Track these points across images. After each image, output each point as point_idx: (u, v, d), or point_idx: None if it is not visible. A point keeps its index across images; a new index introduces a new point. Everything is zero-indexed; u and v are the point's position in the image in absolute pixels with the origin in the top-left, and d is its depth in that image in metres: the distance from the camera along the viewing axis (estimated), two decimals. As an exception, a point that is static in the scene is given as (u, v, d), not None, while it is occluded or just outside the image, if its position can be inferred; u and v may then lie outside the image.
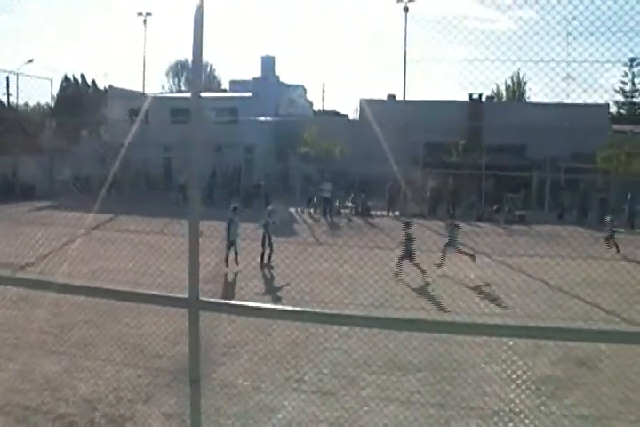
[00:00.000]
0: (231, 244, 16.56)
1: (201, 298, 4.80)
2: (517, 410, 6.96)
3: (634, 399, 7.50)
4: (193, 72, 4.90)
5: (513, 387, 7.58)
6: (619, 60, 5.77)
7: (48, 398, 7.26)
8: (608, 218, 21.67)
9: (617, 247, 19.43)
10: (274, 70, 49.84)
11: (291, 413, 6.95)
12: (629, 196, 27.75)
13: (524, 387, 7.53)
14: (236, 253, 16.55)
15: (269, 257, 17.01)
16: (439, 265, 15.94)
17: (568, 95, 6.24)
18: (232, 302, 5.11)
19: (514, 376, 7.87)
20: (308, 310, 4.74)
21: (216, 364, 8.64)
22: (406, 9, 35.22)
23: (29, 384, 7.70)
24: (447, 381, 8.13)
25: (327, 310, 4.81)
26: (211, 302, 4.92)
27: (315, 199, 31.87)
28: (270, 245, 17.17)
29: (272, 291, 13.90)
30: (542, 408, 7.16)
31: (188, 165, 4.90)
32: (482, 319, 10.17)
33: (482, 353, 8.83)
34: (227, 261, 16.50)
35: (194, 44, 4.58)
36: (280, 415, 6.91)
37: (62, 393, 7.44)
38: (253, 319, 8.57)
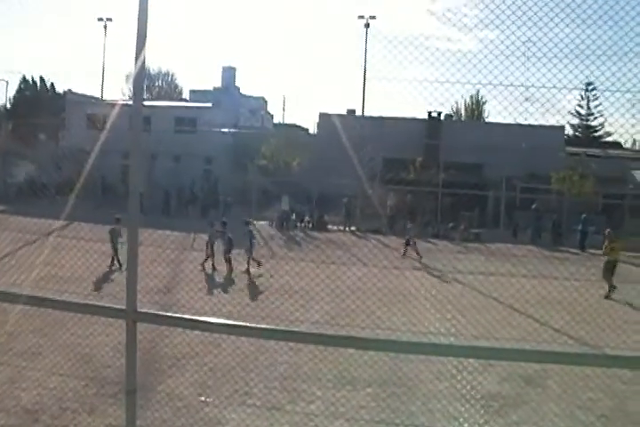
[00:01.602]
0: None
1: (139, 310, 4.75)
2: (465, 427, 7.02)
3: (579, 417, 7.66)
4: (134, 80, 4.85)
5: (460, 404, 7.66)
6: (575, 87, 5.91)
7: (-11, 409, 7.06)
8: (409, 226, 23.66)
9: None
10: (234, 81, 49.83)
11: (237, 426, 6.89)
12: (583, 217, 28.32)
13: (471, 404, 7.61)
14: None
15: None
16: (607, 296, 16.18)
17: (526, 118, 6.36)
18: (169, 314, 5.05)
19: (462, 393, 7.95)
20: (244, 324, 4.72)
21: (164, 375, 8.54)
22: (367, 25, 35.59)
23: (-30, 394, 7.49)
24: (396, 397, 8.15)
25: (263, 326, 4.78)
26: (148, 314, 4.86)
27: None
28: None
29: (224, 304, 13.77)
30: (491, 426, 7.23)
31: (131, 173, 4.85)
32: (431, 338, 10.32)
33: (432, 369, 8.90)
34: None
35: (136, 48, 4.57)
36: (226, 429, 6.84)
37: (3, 404, 7.23)
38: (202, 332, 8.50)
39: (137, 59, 4.63)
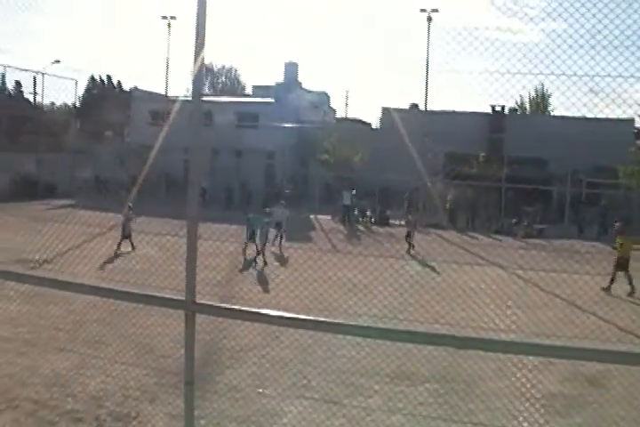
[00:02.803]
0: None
1: (198, 301, 4.80)
2: (525, 426, 6.88)
3: (643, 421, 7.40)
4: (194, 77, 4.90)
5: (520, 403, 7.51)
6: (643, 75, 5.70)
7: (56, 394, 7.33)
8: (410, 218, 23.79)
9: None
10: (297, 76, 49.91)
11: (294, 419, 6.94)
12: None
13: (531, 403, 7.45)
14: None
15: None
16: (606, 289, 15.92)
17: (590, 110, 6.15)
18: (229, 305, 5.08)
19: (522, 392, 7.80)
20: (303, 317, 4.71)
21: (223, 367, 8.67)
22: (429, 18, 35.13)
23: (39, 379, 7.78)
24: (455, 393, 8.06)
25: (322, 319, 4.75)
26: (207, 305, 4.91)
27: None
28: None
29: (286, 298, 13.87)
30: (551, 426, 7.07)
31: (191, 167, 4.91)
32: (491, 334, 10.13)
33: (491, 366, 8.73)
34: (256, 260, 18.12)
35: (196, 44, 4.62)
36: (283, 421, 6.90)
37: (70, 389, 7.50)
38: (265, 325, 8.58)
39: (196, 55, 4.69)
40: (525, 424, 6.88)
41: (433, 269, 17.26)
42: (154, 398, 7.36)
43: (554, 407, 7.74)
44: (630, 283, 15.73)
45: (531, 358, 8.25)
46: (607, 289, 15.74)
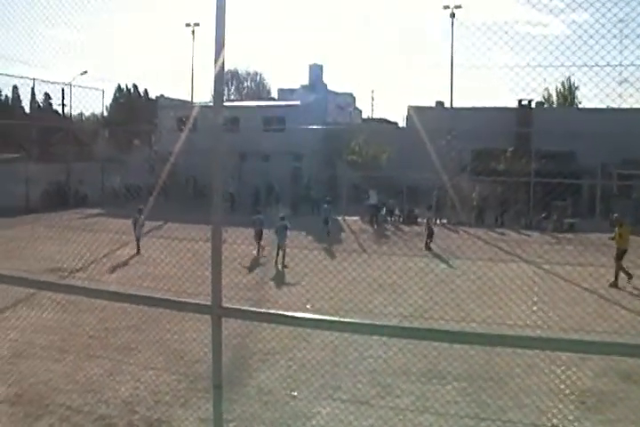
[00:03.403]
0: (279, 248, 18.42)
1: (224, 305, 4.85)
2: (556, 423, 6.83)
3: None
4: (215, 82, 4.95)
5: (553, 399, 7.46)
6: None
7: (90, 400, 7.47)
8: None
9: None
10: (322, 78, 50.04)
11: (323, 420, 6.98)
12: None
13: (565, 399, 7.40)
14: (283, 258, 18.24)
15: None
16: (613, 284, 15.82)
17: (625, 100, 6.07)
18: (255, 309, 5.12)
19: (555, 388, 7.74)
20: (331, 318, 4.73)
21: (253, 370, 8.74)
22: (453, 15, 34.96)
23: (73, 385, 7.93)
24: (485, 391, 8.02)
25: (350, 319, 4.76)
26: (233, 309, 4.96)
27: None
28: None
29: (313, 299, 13.94)
30: (582, 423, 7.00)
31: (213, 172, 4.94)
32: (526, 331, 10.08)
33: (522, 364, 8.70)
34: (276, 262, 18.37)
35: (215, 52, 4.67)
36: (313, 423, 6.94)
37: (103, 395, 7.64)
38: (293, 327, 8.65)
39: (216, 61, 4.73)
40: (555, 421, 6.83)
41: (459, 266, 17.18)
42: (185, 403, 7.45)
43: (585, 404, 7.67)
44: (617, 275, 15.63)
45: (562, 354, 8.19)
46: (630, 279, 15.60)
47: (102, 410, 7.15)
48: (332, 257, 19.07)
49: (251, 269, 17.57)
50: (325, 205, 27.12)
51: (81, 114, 46.73)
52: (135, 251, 19.24)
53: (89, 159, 37.26)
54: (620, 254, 15.98)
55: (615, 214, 17.68)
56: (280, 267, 18.04)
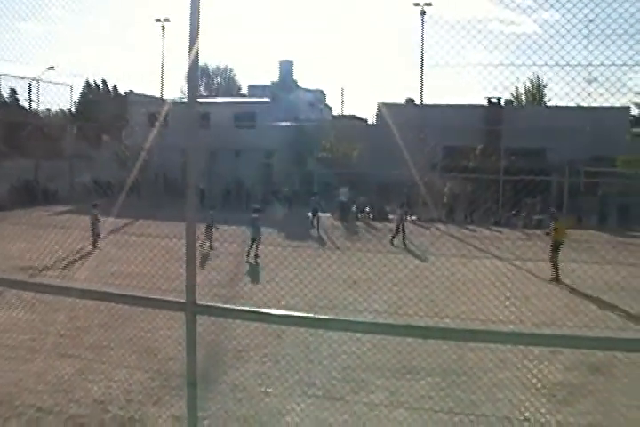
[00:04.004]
0: (253, 241, 18.72)
1: (198, 302, 4.83)
2: (529, 417, 6.91)
3: (649, 408, 7.42)
4: (188, 78, 4.91)
5: (525, 393, 7.54)
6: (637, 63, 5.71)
7: (61, 400, 7.35)
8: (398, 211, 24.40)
9: None
10: (292, 75, 49.92)
11: (298, 417, 6.97)
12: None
13: (536, 393, 7.49)
14: (256, 249, 18.69)
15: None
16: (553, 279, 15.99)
17: (595, 99, 6.16)
18: (229, 306, 5.11)
19: (527, 382, 7.83)
20: (304, 315, 4.75)
21: (227, 367, 8.70)
22: (423, 12, 35.06)
23: (43, 386, 7.80)
24: (458, 386, 8.09)
25: (324, 316, 4.77)
26: (208, 306, 4.94)
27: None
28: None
29: (287, 295, 13.92)
30: (554, 415, 7.09)
31: (188, 168, 4.91)
32: (499, 326, 10.19)
33: (494, 358, 8.79)
34: (248, 255, 18.59)
35: (190, 39, 4.62)
36: (287, 419, 6.93)
37: (75, 395, 7.52)
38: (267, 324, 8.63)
39: (190, 53, 4.67)
40: (532, 414, 6.91)
41: (432, 263, 17.29)
42: (158, 401, 7.39)
43: (557, 397, 7.78)
44: (556, 269, 15.83)
45: (533, 348, 8.30)
46: (555, 279, 15.80)
47: (73, 410, 7.04)
48: (304, 254, 19.06)
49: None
50: (313, 198, 27.56)
51: (48, 109, 46.05)
52: (92, 246, 19.28)
53: (58, 156, 36.76)
54: (556, 247, 16.20)
55: (552, 209, 17.96)
56: (253, 260, 18.23)
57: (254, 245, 18.68)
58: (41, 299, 10.58)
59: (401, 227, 22.96)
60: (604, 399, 7.72)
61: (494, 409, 7.27)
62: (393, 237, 22.65)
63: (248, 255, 18.61)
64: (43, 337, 10.07)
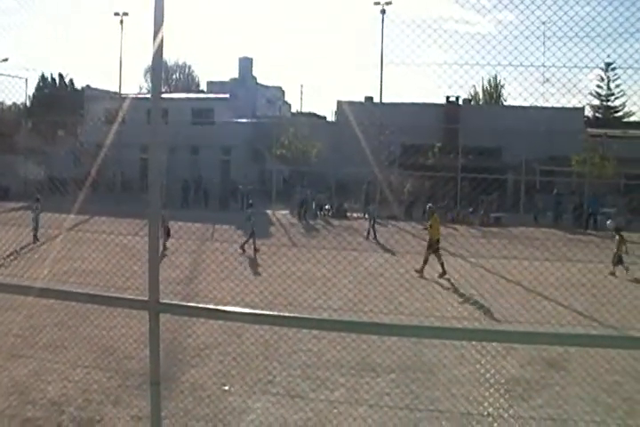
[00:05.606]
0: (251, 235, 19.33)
1: (161, 300, 4.76)
2: (486, 412, 6.99)
3: (605, 400, 7.59)
4: (152, 74, 4.83)
5: (482, 389, 7.64)
6: (596, 66, 5.82)
7: (15, 402, 7.15)
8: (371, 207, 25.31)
9: None
10: (251, 72, 49.68)
11: (260, 415, 6.94)
12: (591, 199, 28.78)
13: (493, 389, 7.58)
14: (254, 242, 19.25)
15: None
16: (419, 271, 16.14)
17: (547, 100, 6.27)
18: (193, 304, 5.05)
19: (484, 378, 7.92)
20: (265, 312, 4.72)
21: (187, 366, 8.61)
22: (383, 11, 35.22)
23: (-4, 388, 7.60)
24: (417, 383, 8.15)
25: (285, 314, 4.77)
26: (171, 305, 4.88)
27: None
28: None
29: (243, 293, 13.84)
30: (511, 410, 7.20)
31: (151, 165, 4.84)
32: (454, 323, 10.31)
33: (453, 354, 8.90)
34: (242, 246, 19.21)
35: (154, 44, 4.53)
36: (249, 418, 6.89)
37: (30, 397, 7.33)
38: (224, 321, 8.57)
39: (154, 46, 4.58)
40: (490, 409, 6.99)
41: (388, 259, 17.40)
42: (117, 401, 7.26)
43: (515, 391, 7.90)
44: (442, 265, 16.06)
45: (492, 344, 8.41)
46: (420, 271, 16.12)
47: (29, 413, 6.85)
48: (261, 251, 19.04)
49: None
50: (300, 188, 28.12)
51: (1, 103, 44.96)
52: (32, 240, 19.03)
53: (11, 151, 35.88)
54: (433, 244, 16.32)
55: (429, 205, 18.22)
56: (252, 253, 18.86)
57: (252, 239, 19.22)
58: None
59: (372, 224, 23.49)
60: (559, 393, 7.86)
61: (455, 405, 7.34)
62: (368, 234, 23.41)
63: (242, 247, 19.12)
64: (-6, 337, 9.82)
